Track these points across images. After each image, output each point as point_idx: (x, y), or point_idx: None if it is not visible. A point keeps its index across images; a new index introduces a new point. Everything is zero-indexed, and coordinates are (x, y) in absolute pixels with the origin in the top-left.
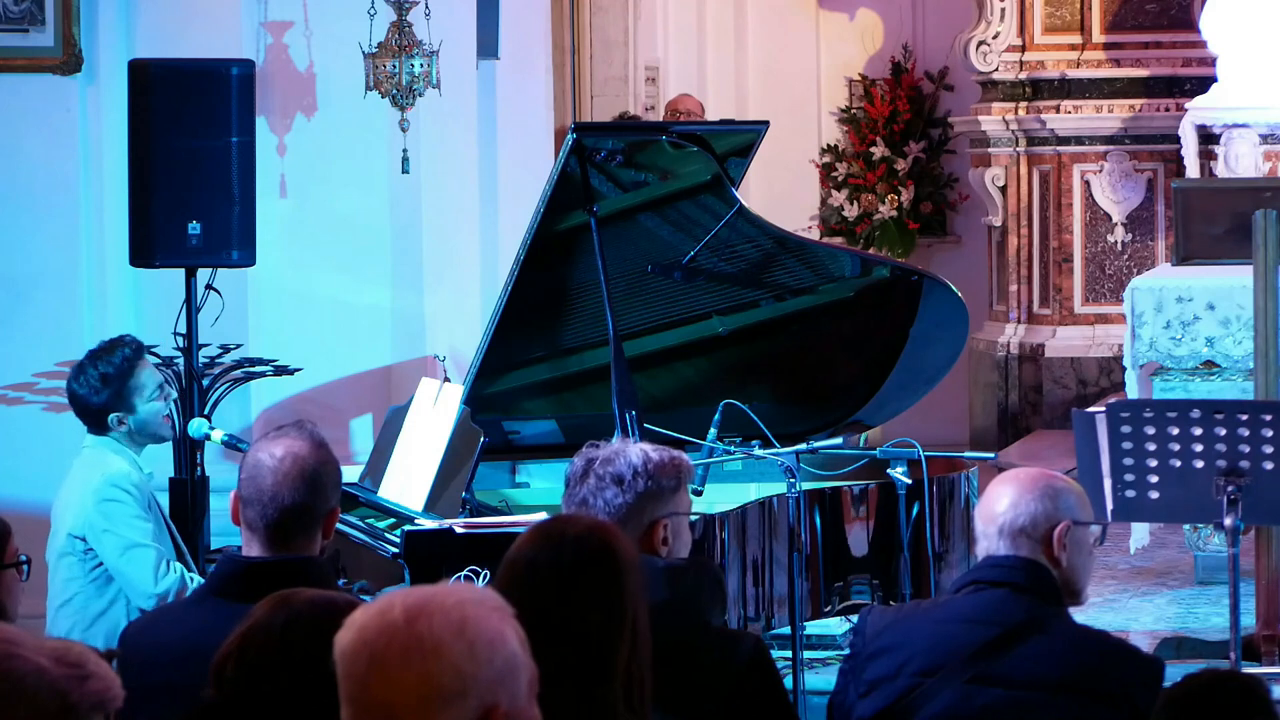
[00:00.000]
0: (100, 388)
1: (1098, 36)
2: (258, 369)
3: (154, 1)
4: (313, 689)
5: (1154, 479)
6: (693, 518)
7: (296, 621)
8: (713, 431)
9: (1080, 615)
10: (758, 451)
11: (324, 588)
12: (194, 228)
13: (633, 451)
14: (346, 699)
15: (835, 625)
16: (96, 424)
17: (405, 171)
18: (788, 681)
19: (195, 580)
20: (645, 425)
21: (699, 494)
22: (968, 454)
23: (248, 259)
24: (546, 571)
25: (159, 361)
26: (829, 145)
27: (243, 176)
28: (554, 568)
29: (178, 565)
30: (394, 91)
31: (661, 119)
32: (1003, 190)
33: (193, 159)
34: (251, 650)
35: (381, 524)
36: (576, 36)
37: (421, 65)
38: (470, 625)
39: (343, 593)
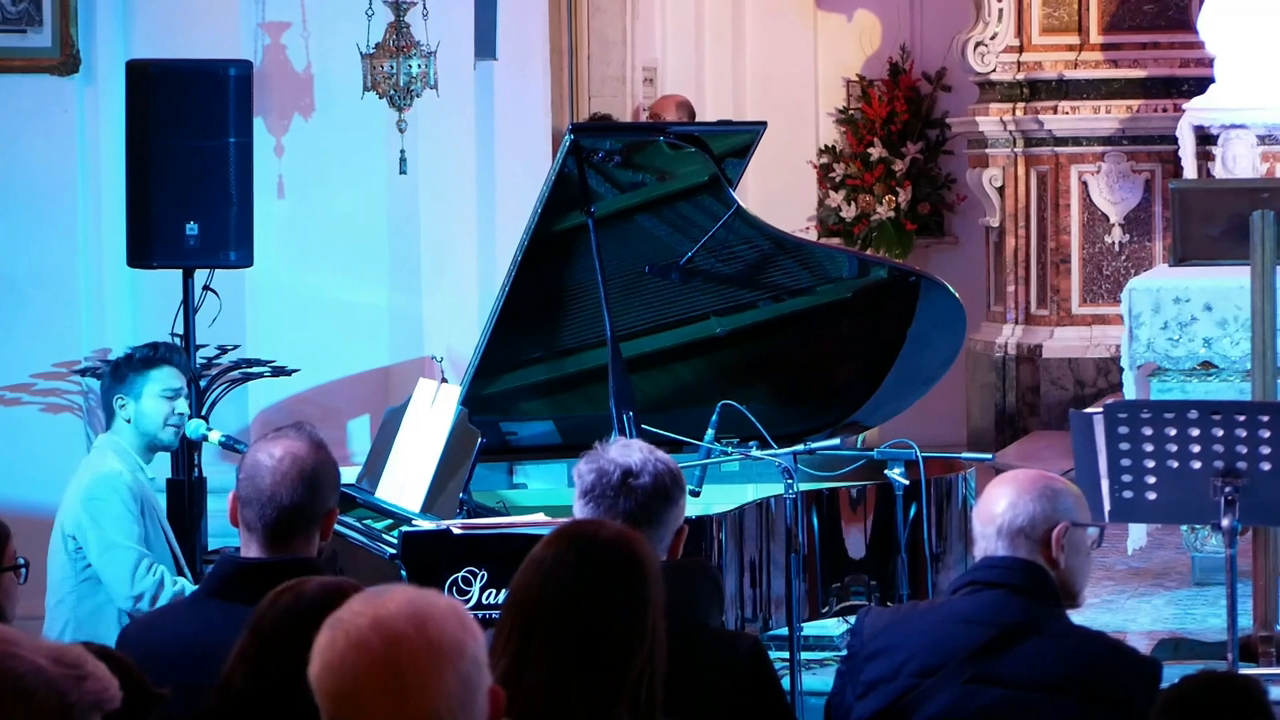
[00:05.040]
0: (120, 365)
1: (1095, 37)
2: (255, 370)
3: (152, 2)
4: None
5: (1151, 480)
6: None
7: (312, 608)
8: (710, 432)
9: (1077, 616)
10: (755, 452)
11: None
12: (192, 228)
13: (649, 459)
14: None
15: (833, 626)
16: (106, 408)
17: (403, 172)
18: (785, 682)
19: (179, 584)
20: (643, 426)
21: (696, 495)
22: (965, 455)
23: (245, 260)
24: (571, 574)
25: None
26: (826, 146)
27: (240, 177)
28: (580, 571)
29: (160, 568)
30: (391, 92)
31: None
32: (1000, 191)
33: (190, 159)
34: (265, 641)
35: (379, 525)
36: (574, 37)
37: (419, 66)
38: (463, 614)
39: (348, 580)
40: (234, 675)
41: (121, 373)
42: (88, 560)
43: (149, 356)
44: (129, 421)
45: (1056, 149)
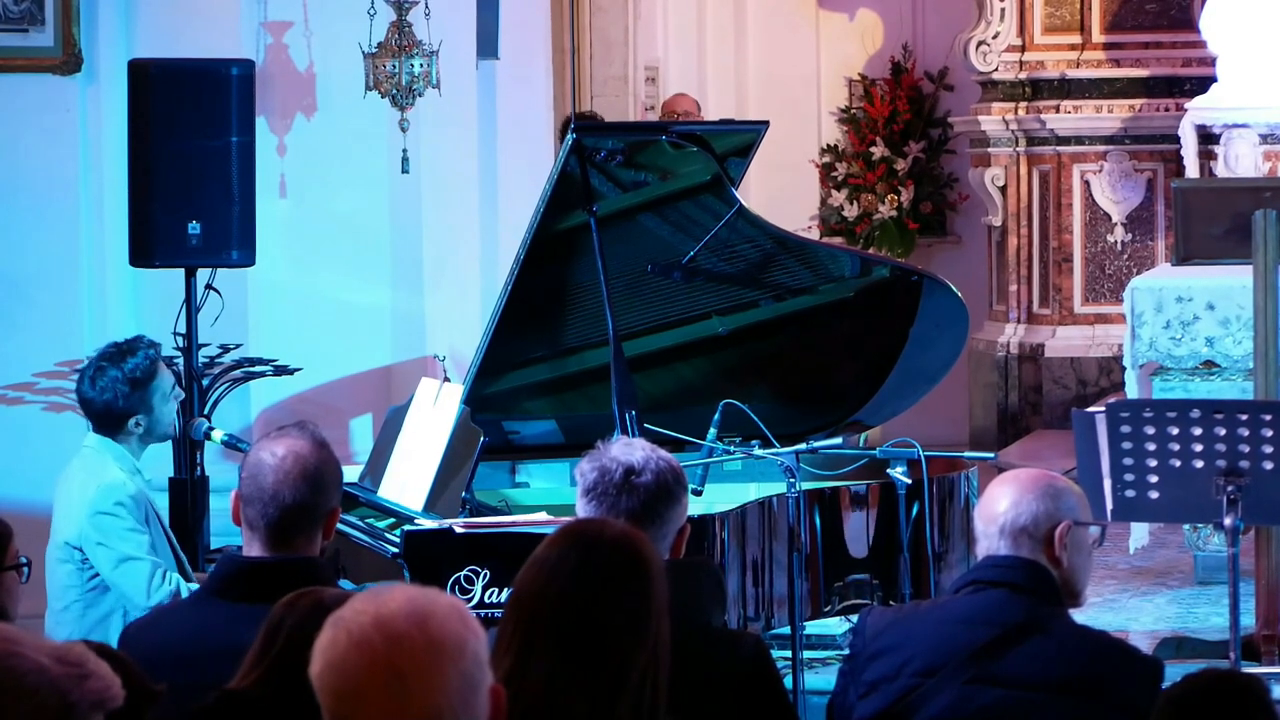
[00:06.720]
0: (128, 391)
1: (1097, 36)
2: (257, 369)
3: (154, 1)
4: None
5: (1154, 479)
6: None
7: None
8: (712, 431)
9: (1080, 615)
10: (757, 451)
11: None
12: (194, 228)
13: (652, 458)
14: None
15: (835, 625)
16: (113, 426)
17: (405, 171)
18: (787, 681)
19: (192, 590)
20: (645, 425)
21: (699, 494)
22: (968, 454)
23: (247, 259)
24: (574, 574)
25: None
26: (829, 145)
27: (242, 176)
28: (583, 571)
29: (174, 576)
30: (394, 91)
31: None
32: (1002, 190)
33: (192, 159)
34: (283, 644)
35: (381, 524)
36: (576, 36)
37: (421, 65)
38: (465, 613)
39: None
40: (248, 678)
41: (134, 398)
42: (94, 570)
43: (151, 371)
44: (142, 435)
45: (1059, 148)
